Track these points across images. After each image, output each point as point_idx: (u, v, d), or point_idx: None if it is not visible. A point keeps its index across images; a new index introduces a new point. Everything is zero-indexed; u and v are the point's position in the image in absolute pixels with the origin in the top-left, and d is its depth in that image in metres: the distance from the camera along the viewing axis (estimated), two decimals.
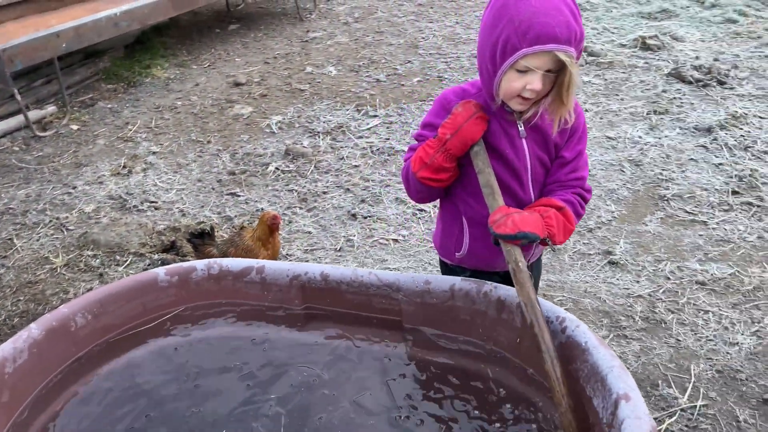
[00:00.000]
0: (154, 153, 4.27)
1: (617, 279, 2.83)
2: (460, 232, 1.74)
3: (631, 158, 3.68)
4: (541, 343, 1.45)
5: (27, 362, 1.60)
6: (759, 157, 3.54)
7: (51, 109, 4.86)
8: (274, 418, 1.57)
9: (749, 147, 3.63)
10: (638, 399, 1.25)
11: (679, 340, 2.50)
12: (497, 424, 1.49)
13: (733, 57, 4.66)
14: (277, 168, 3.96)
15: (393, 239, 3.24)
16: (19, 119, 4.61)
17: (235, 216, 3.55)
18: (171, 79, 5.42)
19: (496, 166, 1.61)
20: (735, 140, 3.69)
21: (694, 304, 2.66)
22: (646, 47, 4.94)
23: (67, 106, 4.87)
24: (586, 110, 4.20)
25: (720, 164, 3.52)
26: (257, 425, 1.55)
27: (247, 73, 5.37)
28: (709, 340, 2.49)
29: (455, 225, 1.74)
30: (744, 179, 3.36)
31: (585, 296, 2.74)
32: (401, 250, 3.16)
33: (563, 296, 2.75)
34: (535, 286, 1.82)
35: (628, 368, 2.18)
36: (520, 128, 1.61)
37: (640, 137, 3.85)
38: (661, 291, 2.75)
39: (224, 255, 2.58)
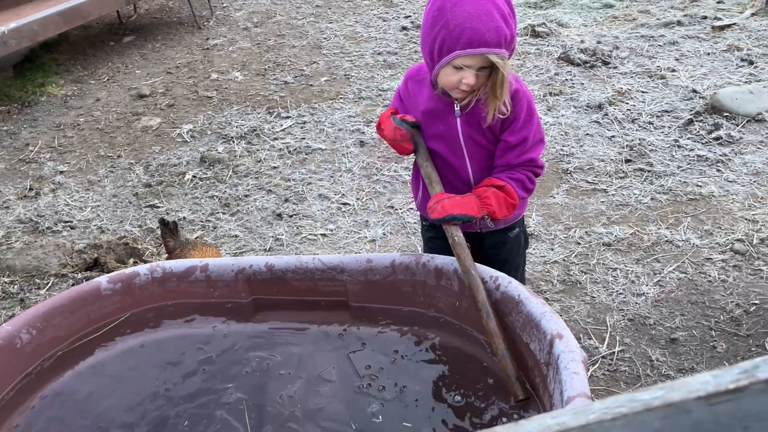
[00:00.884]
0: (61, 172, 4.13)
1: (534, 249, 3.06)
2: (419, 185, 1.95)
3: None
4: (477, 302, 1.61)
5: None
6: (645, 128, 3.89)
7: None
8: (236, 403, 1.63)
9: (635, 119, 3.98)
10: (570, 336, 1.41)
11: (594, 297, 2.75)
12: (449, 382, 1.63)
13: (614, 39, 5.06)
14: (194, 176, 3.94)
15: (321, 234, 3.32)
16: None
17: (158, 227, 3.50)
18: (69, 96, 5.23)
19: (435, 143, 1.80)
20: (623, 114, 4.04)
21: (603, 264, 2.92)
22: (536, 34, 5.27)
23: None
24: None
25: (612, 137, 3.85)
26: (221, 413, 1.61)
27: (150, 84, 5.27)
28: (620, 293, 2.74)
29: (418, 177, 1.93)
30: (634, 148, 3.69)
31: None
32: (330, 243, 3.25)
33: None
34: (506, 260, 1.99)
35: None
36: (456, 108, 1.76)
37: (540, 118, 4.13)
38: (573, 255, 2.99)
39: (180, 252, 2.55)
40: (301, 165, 3.93)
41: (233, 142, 4.26)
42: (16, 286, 3.11)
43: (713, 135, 3.70)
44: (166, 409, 1.63)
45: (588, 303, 2.72)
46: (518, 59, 4.95)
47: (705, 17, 5.22)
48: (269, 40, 5.89)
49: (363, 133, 4.18)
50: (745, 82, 4.19)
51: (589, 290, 2.78)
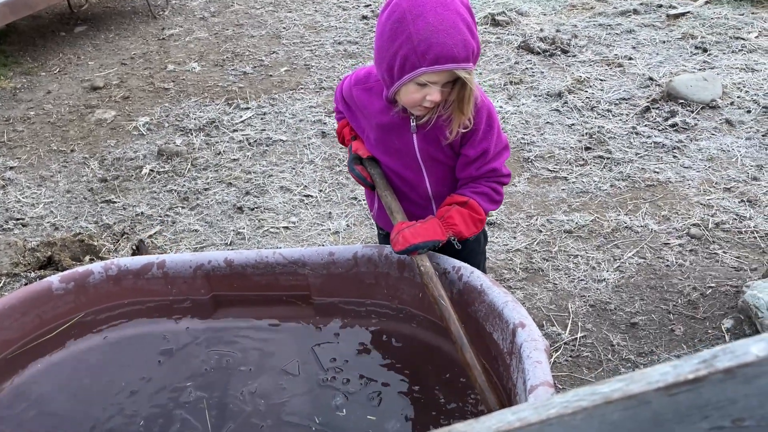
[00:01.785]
0: (11, 168, 3.98)
1: (496, 237, 3.07)
2: (374, 196, 1.87)
3: None
4: (451, 333, 1.51)
5: None
6: (603, 115, 3.94)
7: None
8: (195, 402, 1.59)
9: (594, 107, 4.03)
10: (532, 325, 1.42)
11: (556, 284, 2.77)
12: (414, 374, 1.62)
13: (572, 27, 5.11)
14: (151, 170, 3.84)
15: (284, 227, 3.28)
16: None
17: (114, 223, 3.42)
18: (18, 88, 5.04)
19: (389, 160, 1.71)
20: (582, 102, 4.08)
21: (564, 251, 2.95)
22: (495, 23, 5.29)
23: None
24: None
25: (572, 125, 3.88)
26: (180, 412, 1.57)
27: (103, 76, 5.12)
28: (581, 280, 2.78)
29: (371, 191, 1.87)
30: (593, 136, 3.73)
31: None
32: (293, 236, 3.21)
33: None
34: (466, 260, 1.81)
35: None
36: (412, 123, 1.64)
37: (501, 107, 4.15)
38: (535, 243, 3.01)
39: None
40: (261, 157, 3.87)
41: (191, 134, 4.17)
42: None
43: (669, 122, 3.77)
44: (122, 409, 1.58)
45: (550, 290, 2.75)
46: None
47: (660, 6, 5.30)
48: (227, 29, 5.78)
49: (324, 123, 4.14)
50: (699, 70, 4.28)
51: (551, 277, 2.81)
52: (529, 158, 3.64)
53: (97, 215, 3.50)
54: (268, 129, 4.14)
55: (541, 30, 5.08)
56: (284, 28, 5.68)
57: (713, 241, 2.90)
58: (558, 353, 2.45)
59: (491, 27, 5.27)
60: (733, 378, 0.54)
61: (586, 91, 4.21)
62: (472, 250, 1.92)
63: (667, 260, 2.82)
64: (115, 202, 3.59)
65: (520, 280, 2.81)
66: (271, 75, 4.87)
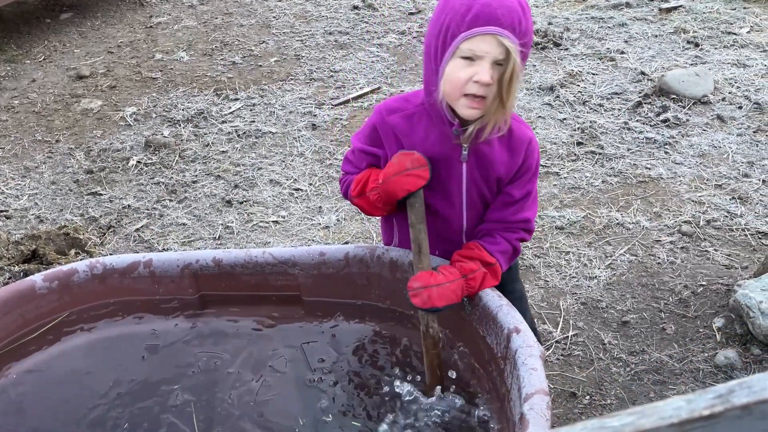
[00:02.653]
0: None
1: None
2: (391, 229, 1.74)
3: None
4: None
5: None
6: (595, 110, 3.92)
7: None
8: (183, 405, 1.56)
9: (586, 101, 4.01)
10: (527, 330, 1.40)
11: (547, 281, 2.76)
12: (404, 377, 1.59)
13: (564, 20, 5.08)
14: (138, 161, 3.78)
15: (273, 221, 3.24)
16: None
17: (101, 216, 3.36)
18: (2, 76, 4.94)
19: (429, 195, 1.52)
20: (574, 96, 4.06)
21: (556, 248, 2.94)
22: None
23: None
24: None
25: (564, 119, 3.86)
26: (167, 416, 1.54)
27: (90, 64, 5.03)
28: (572, 277, 2.76)
29: (389, 222, 1.73)
30: (585, 131, 3.71)
31: None
32: (283, 231, 3.17)
33: None
34: (506, 290, 1.64)
35: None
36: (463, 152, 1.47)
37: None
38: None
39: None
40: (251, 149, 3.82)
41: (179, 125, 4.10)
42: None
43: (661, 117, 3.75)
44: (107, 412, 1.55)
45: (542, 287, 2.73)
46: None
47: None
48: (216, 18, 5.69)
49: (315, 115, 4.09)
50: (692, 65, 4.27)
51: (543, 274, 2.79)
52: None
53: (82, 208, 3.44)
54: (258, 120, 4.09)
55: (534, 22, 5.05)
56: (274, 17, 5.60)
57: (704, 239, 2.89)
58: (549, 352, 2.43)
59: None
60: (750, 415, 0.52)
61: (578, 85, 4.19)
62: (508, 273, 1.73)
63: (659, 258, 2.81)
64: (101, 195, 3.53)
65: None
66: (260, 65, 4.80)
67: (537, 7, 5.45)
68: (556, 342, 2.47)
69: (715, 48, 4.47)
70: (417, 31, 5.07)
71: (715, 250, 2.83)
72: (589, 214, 3.12)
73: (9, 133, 4.18)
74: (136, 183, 3.61)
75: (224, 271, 1.80)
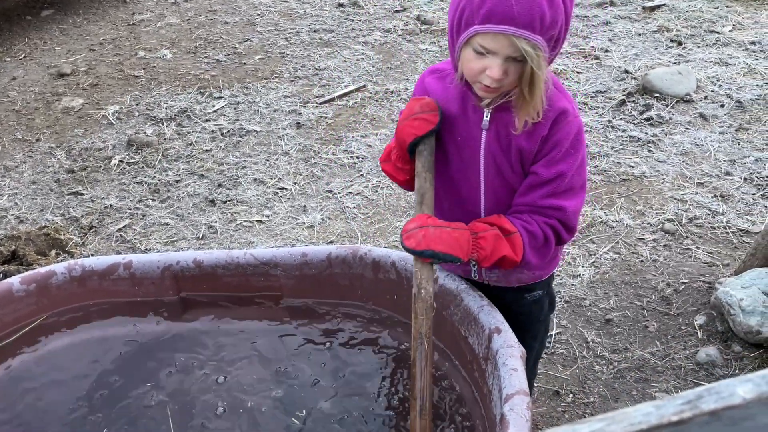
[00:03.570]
0: None
1: None
2: None
3: None
4: (414, 388, 1.31)
5: None
6: (580, 108, 3.93)
7: None
8: (159, 407, 1.55)
9: None
10: (508, 331, 1.40)
11: None
12: (386, 380, 1.59)
13: None
14: (121, 161, 3.75)
15: (257, 221, 3.22)
16: None
17: (82, 216, 3.32)
18: None
19: (445, 159, 1.41)
20: None
21: None
22: None
23: None
24: None
25: None
26: (144, 421, 1.52)
27: (71, 62, 4.97)
28: (556, 275, 2.77)
29: None
30: None
31: None
32: (267, 230, 3.15)
33: None
34: (520, 327, 1.47)
35: None
36: (485, 118, 1.34)
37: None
38: None
39: None
40: (234, 148, 3.80)
41: (162, 124, 4.07)
42: None
43: (645, 115, 3.77)
44: (84, 416, 1.53)
45: None
46: None
47: None
48: (200, 15, 5.64)
49: (299, 114, 4.07)
50: (674, 63, 4.29)
51: None
52: None
53: (63, 208, 3.40)
54: (242, 119, 4.06)
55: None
56: (259, 14, 5.57)
57: (687, 237, 2.92)
58: None
59: None
60: (718, 420, 0.52)
61: (563, 83, 4.19)
62: (530, 314, 1.57)
63: (642, 255, 2.83)
64: (82, 194, 3.49)
65: None
66: (244, 63, 4.77)
67: None
68: None
69: (698, 46, 4.50)
70: (402, 29, 5.06)
71: (697, 247, 2.85)
72: None
73: None
74: (118, 182, 3.57)
75: (205, 272, 1.78)
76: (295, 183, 3.47)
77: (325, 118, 4.01)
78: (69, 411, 1.57)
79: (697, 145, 3.52)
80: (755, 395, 0.50)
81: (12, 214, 3.36)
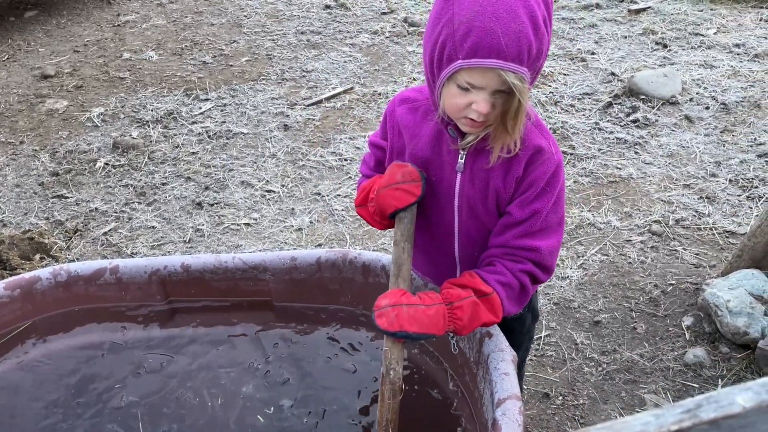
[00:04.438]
0: None
1: None
2: None
3: None
4: None
5: None
6: (567, 110, 3.95)
7: None
8: (128, 407, 1.53)
9: (558, 102, 4.04)
10: (499, 335, 1.39)
11: None
12: (372, 386, 1.58)
13: None
14: (106, 163, 3.71)
15: (245, 223, 3.20)
16: None
17: (67, 219, 3.28)
18: None
19: (424, 198, 1.34)
20: (546, 96, 4.08)
21: None
22: None
23: None
24: (414, 78, 4.41)
25: None
26: (112, 426, 1.50)
27: (55, 63, 4.92)
28: None
29: None
30: (557, 131, 3.74)
31: None
32: (255, 233, 3.13)
33: None
34: (508, 340, 1.41)
35: None
36: (460, 160, 1.29)
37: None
38: None
39: None
40: (221, 150, 3.77)
41: (148, 126, 4.03)
42: None
43: (631, 117, 3.80)
44: (59, 420, 1.51)
45: None
46: None
47: (622, 0, 5.35)
48: (186, 17, 5.61)
49: (287, 116, 4.05)
50: (660, 66, 4.33)
51: None
52: None
53: (48, 211, 3.36)
54: (229, 121, 4.04)
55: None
56: (245, 16, 5.54)
57: (673, 238, 2.93)
58: None
59: None
60: (717, 429, 0.51)
61: (550, 86, 4.21)
62: (512, 330, 1.53)
63: (630, 257, 2.84)
64: (67, 197, 3.45)
65: None
66: (231, 65, 4.75)
67: None
68: None
69: (683, 49, 4.54)
70: (390, 31, 5.06)
71: (684, 249, 2.87)
72: None
73: None
74: (103, 185, 3.54)
75: (193, 277, 1.76)
76: (282, 185, 3.45)
77: (313, 120, 4.00)
78: (43, 417, 1.54)
79: (683, 147, 3.55)
80: (755, 404, 0.50)
81: None
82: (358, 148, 3.70)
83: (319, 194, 3.36)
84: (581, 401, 2.24)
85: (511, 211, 1.29)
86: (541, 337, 2.49)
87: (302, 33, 5.15)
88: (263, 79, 4.52)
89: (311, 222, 3.18)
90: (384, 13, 5.36)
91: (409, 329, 1.21)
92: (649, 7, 5.17)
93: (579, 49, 4.63)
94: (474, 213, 1.33)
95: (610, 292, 2.67)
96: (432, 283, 1.50)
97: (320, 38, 5.05)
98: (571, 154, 3.55)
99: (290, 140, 3.82)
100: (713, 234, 2.94)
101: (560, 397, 2.26)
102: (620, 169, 3.41)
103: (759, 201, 3.10)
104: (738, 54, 4.42)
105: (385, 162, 1.43)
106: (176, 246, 3.08)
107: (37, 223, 3.26)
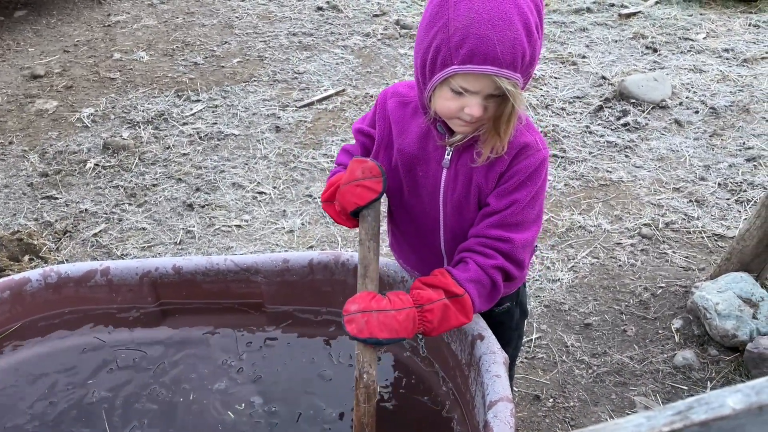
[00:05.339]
0: None
1: None
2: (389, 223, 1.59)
3: None
4: None
5: None
6: (558, 113, 3.97)
7: None
8: (99, 402, 1.52)
9: (549, 105, 4.06)
10: (491, 337, 1.40)
11: None
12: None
13: None
14: (96, 164, 3.69)
15: (236, 225, 3.19)
16: None
17: (56, 221, 3.26)
18: None
19: (404, 191, 1.38)
20: (537, 100, 4.10)
21: None
22: None
23: None
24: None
25: None
26: (81, 421, 1.49)
27: (45, 63, 4.89)
28: (536, 280, 2.79)
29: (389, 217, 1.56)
30: (548, 134, 3.76)
31: None
32: (246, 235, 3.13)
33: None
34: (497, 336, 1.41)
35: None
36: (446, 156, 1.32)
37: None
38: None
39: None
40: (213, 151, 3.76)
41: (139, 127, 4.02)
42: None
43: (621, 121, 3.82)
44: (43, 423, 1.50)
45: None
46: None
47: (612, 5, 5.38)
48: (177, 17, 5.59)
49: (279, 117, 4.05)
50: (650, 70, 4.36)
51: None
52: None
53: (37, 212, 3.34)
54: (220, 122, 4.03)
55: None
56: (237, 17, 5.53)
57: (663, 241, 2.95)
58: None
59: None
60: (708, 431, 0.52)
61: (541, 89, 4.23)
62: (501, 324, 1.53)
63: (620, 260, 2.86)
64: (56, 198, 3.43)
65: None
66: (223, 66, 4.74)
67: None
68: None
69: (673, 53, 4.57)
70: (381, 33, 5.06)
71: (674, 252, 2.89)
72: (552, 217, 3.16)
73: None
74: (93, 186, 3.52)
75: (185, 278, 1.76)
76: (274, 187, 3.44)
77: (305, 122, 4.00)
78: (27, 420, 1.53)
79: (673, 151, 3.57)
80: (744, 406, 0.51)
81: None
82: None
83: (310, 196, 3.36)
84: (572, 403, 2.25)
85: (490, 201, 1.30)
86: (531, 339, 2.50)
87: (294, 35, 5.15)
88: (255, 80, 4.51)
89: (303, 224, 3.17)
90: (376, 16, 5.37)
91: (379, 336, 1.20)
92: (639, 12, 5.21)
93: (570, 52, 4.65)
94: (458, 208, 1.34)
95: (600, 295, 2.69)
96: (419, 276, 1.50)
97: (312, 40, 5.05)
98: (562, 158, 3.57)
99: (282, 142, 3.81)
100: (702, 237, 2.96)
101: (551, 400, 2.27)
102: (610, 172, 3.43)
103: (747, 204, 3.13)
104: (727, 59, 4.46)
105: (373, 152, 1.44)
106: (167, 248, 3.06)
107: (26, 224, 3.24)
